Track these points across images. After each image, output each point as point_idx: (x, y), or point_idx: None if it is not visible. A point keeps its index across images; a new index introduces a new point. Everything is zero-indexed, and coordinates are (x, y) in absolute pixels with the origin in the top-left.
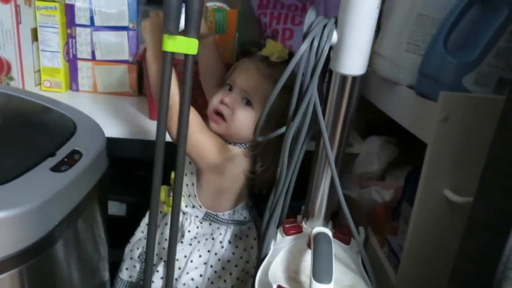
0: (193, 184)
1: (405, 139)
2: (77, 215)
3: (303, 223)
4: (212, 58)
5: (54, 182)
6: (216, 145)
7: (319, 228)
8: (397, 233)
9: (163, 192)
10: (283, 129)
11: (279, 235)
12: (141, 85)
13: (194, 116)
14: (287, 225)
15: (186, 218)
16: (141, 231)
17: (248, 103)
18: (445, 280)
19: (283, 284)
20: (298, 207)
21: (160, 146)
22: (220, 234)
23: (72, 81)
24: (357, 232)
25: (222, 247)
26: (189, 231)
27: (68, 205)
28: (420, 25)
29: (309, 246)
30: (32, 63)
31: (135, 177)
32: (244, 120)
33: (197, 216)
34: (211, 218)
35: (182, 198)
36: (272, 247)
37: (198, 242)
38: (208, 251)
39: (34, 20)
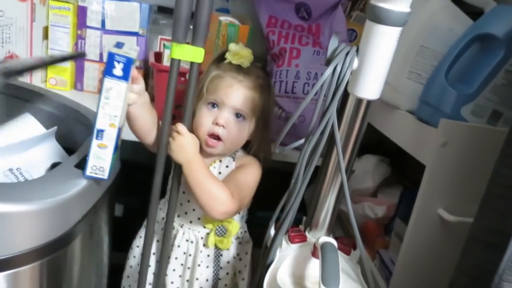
0: None
1: (395, 160)
2: (94, 213)
3: (307, 233)
4: (150, 112)
5: (78, 179)
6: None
7: (325, 238)
8: (388, 248)
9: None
10: (301, 141)
11: (284, 242)
12: (146, 90)
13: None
14: (292, 234)
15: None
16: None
17: (240, 116)
18: None
19: None
20: (269, 217)
21: (162, 150)
22: None
23: (77, 81)
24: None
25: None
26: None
27: (89, 202)
28: (422, 56)
29: (313, 255)
30: None
31: (133, 179)
32: (241, 133)
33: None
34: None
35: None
36: (278, 253)
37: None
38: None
39: (47, 19)
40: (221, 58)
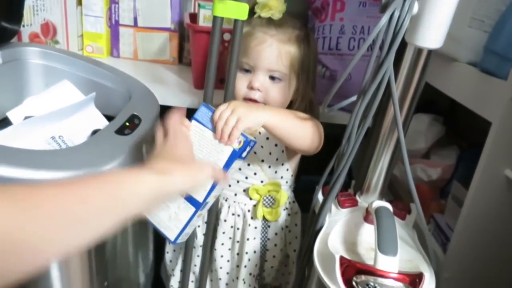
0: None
1: (449, 119)
2: None
3: (357, 197)
4: None
5: (120, 145)
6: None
7: (379, 202)
8: (444, 212)
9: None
10: (350, 100)
11: (333, 207)
12: (182, 54)
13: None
14: (342, 198)
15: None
16: None
17: (275, 78)
18: (498, 261)
19: (343, 255)
20: (314, 181)
21: None
22: None
23: (114, 47)
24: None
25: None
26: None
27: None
28: (485, 0)
29: (366, 220)
30: (76, 27)
31: None
32: (280, 95)
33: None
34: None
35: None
36: (327, 219)
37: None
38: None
39: None
40: (250, 13)
